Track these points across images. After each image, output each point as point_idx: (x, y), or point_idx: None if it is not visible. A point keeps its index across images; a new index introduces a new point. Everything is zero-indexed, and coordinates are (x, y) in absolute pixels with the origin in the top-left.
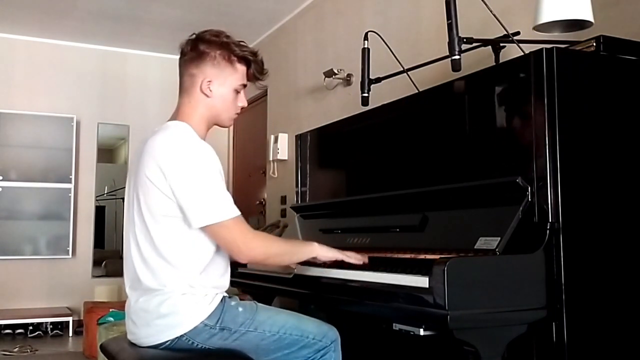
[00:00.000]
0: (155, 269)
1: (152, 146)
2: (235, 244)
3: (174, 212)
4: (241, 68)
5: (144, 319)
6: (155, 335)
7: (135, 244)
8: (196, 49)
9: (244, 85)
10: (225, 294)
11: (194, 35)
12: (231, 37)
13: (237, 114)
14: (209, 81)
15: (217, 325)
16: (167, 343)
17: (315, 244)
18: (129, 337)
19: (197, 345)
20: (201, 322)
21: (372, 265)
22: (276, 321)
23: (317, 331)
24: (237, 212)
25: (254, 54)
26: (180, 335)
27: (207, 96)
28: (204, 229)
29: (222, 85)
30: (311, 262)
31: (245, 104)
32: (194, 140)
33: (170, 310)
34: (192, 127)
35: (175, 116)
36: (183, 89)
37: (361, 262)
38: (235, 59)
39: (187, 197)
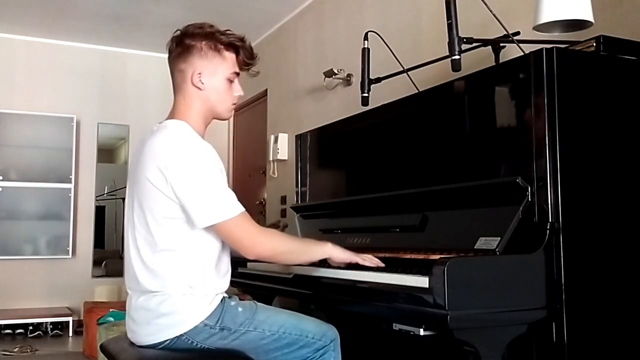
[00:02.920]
0: (155, 271)
1: (151, 147)
2: (242, 241)
3: (176, 214)
4: (230, 56)
5: (144, 318)
6: (155, 334)
7: (134, 246)
8: (182, 44)
9: (237, 74)
10: (225, 295)
11: (179, 31)
12: (215, 26)
13: (234, 103)
14: (199, 73)
15: (217, 325)
16: (167, 342)
17: (329, 244)
18: (129, 335)
19: (197, 344)
20: (201, 322)
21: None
22: (276, 321)
23: (317, 330)
24: (241, 209)
25: (241, 39)
26: (180, 335)
27: (200, 89)
28: (209, 228)
29: (213, 76)
30: (321, 263)
31: (242, 92)
32: (192, 139)
33: (171, 310)
34: (190, 125)
35: (172, 115)
36: (175, 87)
37: (376, 265)
38: (222, 47)
39: (190, 197)
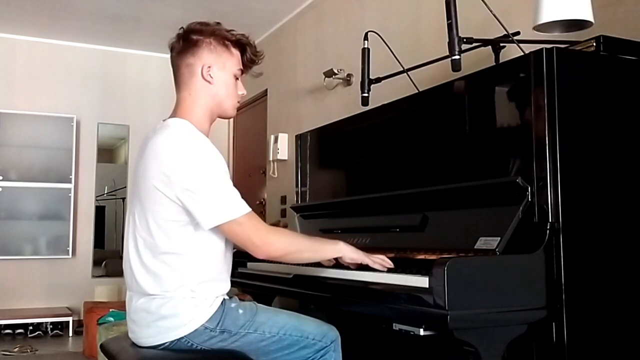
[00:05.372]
0: (156, 274)
1: (153, 148)
2: (250, 240)
3: (179, 217)
4: (236, 52)
5: (144, 320)
6: (155, 337)
7: (135, 248)
8: (188, 40)
9: (242, 71)
10: (226, 296)
11: (182, 29)
12: (220, 24)
13: (238, 102)
14: (209, 67)
15: (218, 327)
16: (167, 344)
17: (341, 243)
18: (130, 335)
19: (197, 346)
20: (202, 325)
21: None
22: (276, 322)
23: (317, 331)
24: (248, 209)
25: (246, 37)
26: (180, 337)
27: (209, 82)
28: (216, 228)
29: (222, 70)
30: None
31: (245, 92)
32: (195, 138)
33: (171, 312)
34: (194, 124)
35: (175, 113)
36: (181, 83)
37: (385, 269)
38: (230, 43)
39: (195, 199)
